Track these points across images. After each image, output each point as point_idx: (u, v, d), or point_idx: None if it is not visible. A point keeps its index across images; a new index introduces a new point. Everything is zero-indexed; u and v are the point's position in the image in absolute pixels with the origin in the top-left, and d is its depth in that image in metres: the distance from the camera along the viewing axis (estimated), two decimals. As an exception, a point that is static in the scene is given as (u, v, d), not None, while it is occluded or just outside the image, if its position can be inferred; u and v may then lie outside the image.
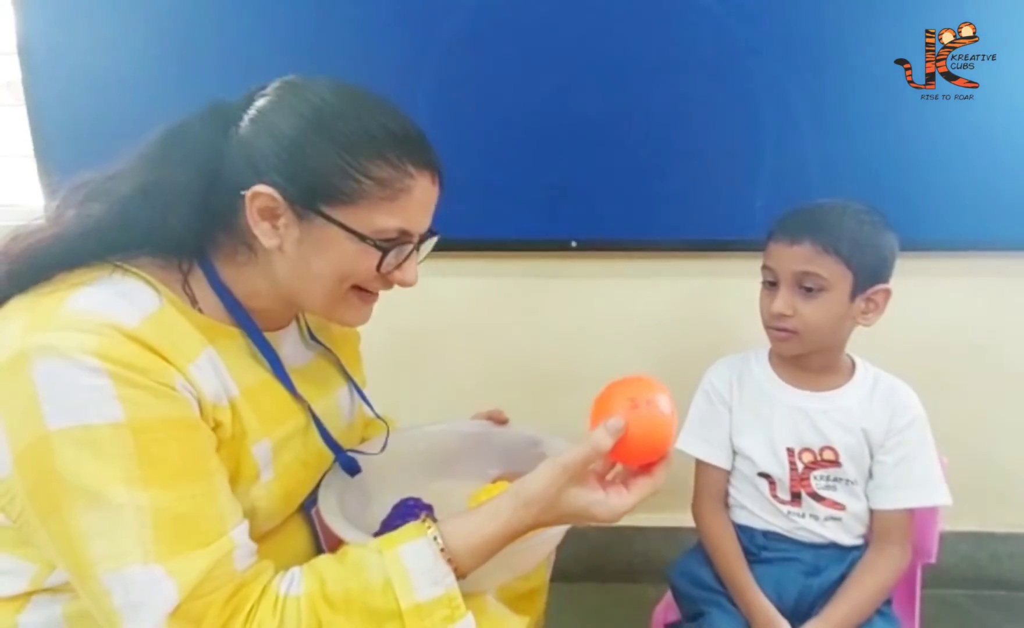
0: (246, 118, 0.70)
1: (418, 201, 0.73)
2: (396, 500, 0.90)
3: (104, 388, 0.58)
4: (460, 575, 0.67)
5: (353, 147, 0.69)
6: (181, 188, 0.68)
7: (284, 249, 0.71)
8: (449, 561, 0.65)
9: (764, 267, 1.04)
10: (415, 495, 0.91)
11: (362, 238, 0.70)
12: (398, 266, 0.75)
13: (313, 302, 0.76)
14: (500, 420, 1.02)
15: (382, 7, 1.36)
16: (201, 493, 0.63)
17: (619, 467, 0.75)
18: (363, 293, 0.77)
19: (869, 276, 0.98)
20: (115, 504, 0.58)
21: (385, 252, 0.72)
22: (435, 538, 0.66)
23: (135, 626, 0.58)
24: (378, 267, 0.72)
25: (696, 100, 1.39)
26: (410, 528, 0.68)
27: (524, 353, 1.57)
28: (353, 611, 0.62)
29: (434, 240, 0.81)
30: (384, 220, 0.71)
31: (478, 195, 1.43)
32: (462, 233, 1.46)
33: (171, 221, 0.67)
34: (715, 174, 1.42)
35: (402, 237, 0.73)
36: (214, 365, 0.69)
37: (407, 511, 0.87)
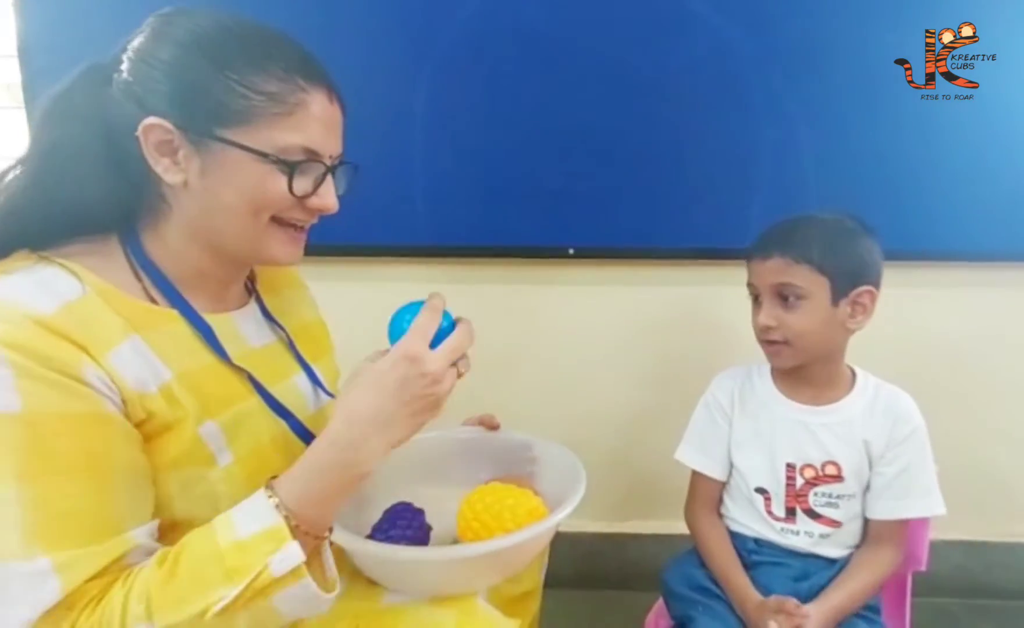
0: (124, 60, 0.68)
1: (318, 117, 0.70)
2: (388, 505, 0.90)
3: (4, 378, 0.57)
4: (304, 521, 0.64)
5: (236, 63, 0.66)
6: (79, 150, 0.67)
7: (190, 184, 0.69)
8: (276, 503, 0.63)
9: (748, 284, 1.06)
10: (407, 500, 0.91)
11: (264, 156, 0.68)
12: (315, 192, 0.72)
13: (235, 241, 0.73)
14: (492, 426, 1.02)
15: (382, 13, 1.36)
16: (96, 489, 0.61)
17: None
18: (286, 227, 0.74)
19: (846, 279, 0.99)
20: (2, 498, 0.57)
21: (292, 170, 0.69)
22: (267, 491, 0.65)
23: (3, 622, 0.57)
24: (290, 189, 0.69)
25: (694, 107, 1.39)
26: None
27: (520, 359, 1.57)
28: (180, 567, 0.61)
29: (350, 170, 0.79)
30: (285, 137, 0.68)
31: (476, 202, 1.44)
32: (460, 239, 1.47)
33: (87, 191, 0.67)
34: (713, 182, 1.42)
35: (309, 156, 0.70)
36: (139, 352, 0.67)
37: (398, 515, 0.87)
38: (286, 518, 0.62)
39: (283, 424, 0.79)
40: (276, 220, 0.73)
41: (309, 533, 0.65)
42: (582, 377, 1.58)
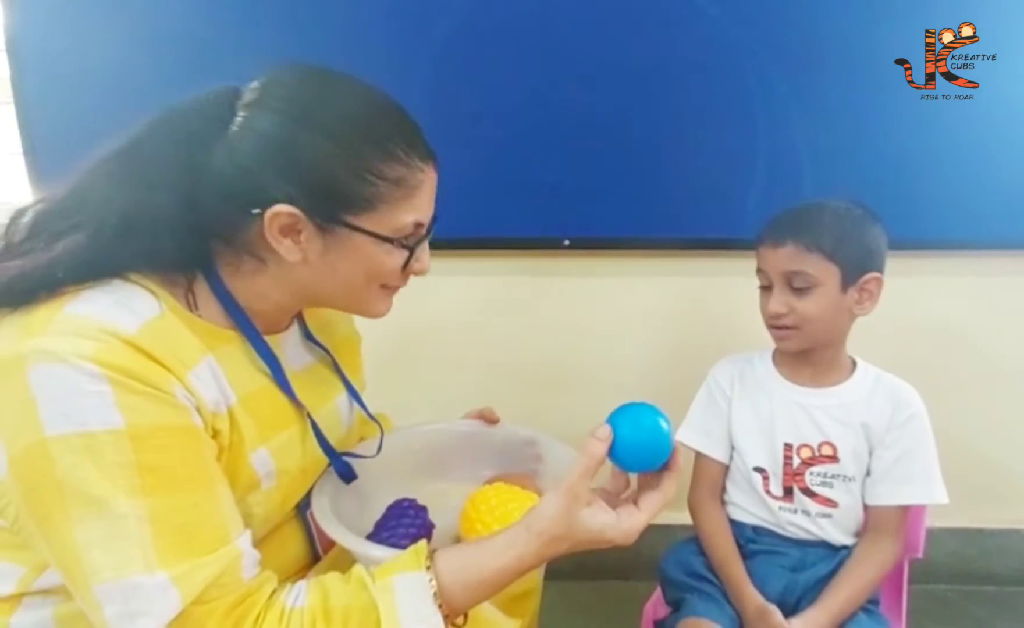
0: (233, 130, 0.66)
1: (428, 192, 0.74)
2: (391, 501, 0.90)
3: (104, 394, 0.57)
4: (456, 609, 0.66)
5: (362, 149, 0.68)
6: (164, 214, 0.65)
7: (308, 260, 0.70)
8: (440, 602, 0.64)
9: (758, 271, 1.06)
10: (410, 496, 0.91)
11: (387, 240, 0.71)
12: (416, 258, 0.76)
13: (341, 301, 0.77)
14: (491, 419, 1.02)
15: (376, 3, 1.34)
16: (204, 501, 0.62)
17: (633, 486, 0.74)
18: (389, 288, 0.78)
19: (856, 267, 1.00)
20: (117, 514, 0.57)
21: (412, 250, 0.73)
22: (429, 573, 0.65)
23: None
24: (405, 266, 0.74)
25: (691, 99, 1.39)
26: (408, 557, 0.66)
27: (517, 352, 1.57)
28: None
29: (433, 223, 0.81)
30: (404, 217, 0.71)
31: (471, 194, 1.43)
32: (455, 232, 1.44)
33: (163, 244, 0.66)
34: (709, 173, 1.42)
35: (417, 230, 0.74)
36: (214, 373, 0.67)
37: (401, 512, 0.87)
38: (440, 608, 0.64)
39: (318, 447, 0.81)
40: (383, 286, 0.76)
41: (448, 616, 0.66)
42: (578, 368, 1.58)
